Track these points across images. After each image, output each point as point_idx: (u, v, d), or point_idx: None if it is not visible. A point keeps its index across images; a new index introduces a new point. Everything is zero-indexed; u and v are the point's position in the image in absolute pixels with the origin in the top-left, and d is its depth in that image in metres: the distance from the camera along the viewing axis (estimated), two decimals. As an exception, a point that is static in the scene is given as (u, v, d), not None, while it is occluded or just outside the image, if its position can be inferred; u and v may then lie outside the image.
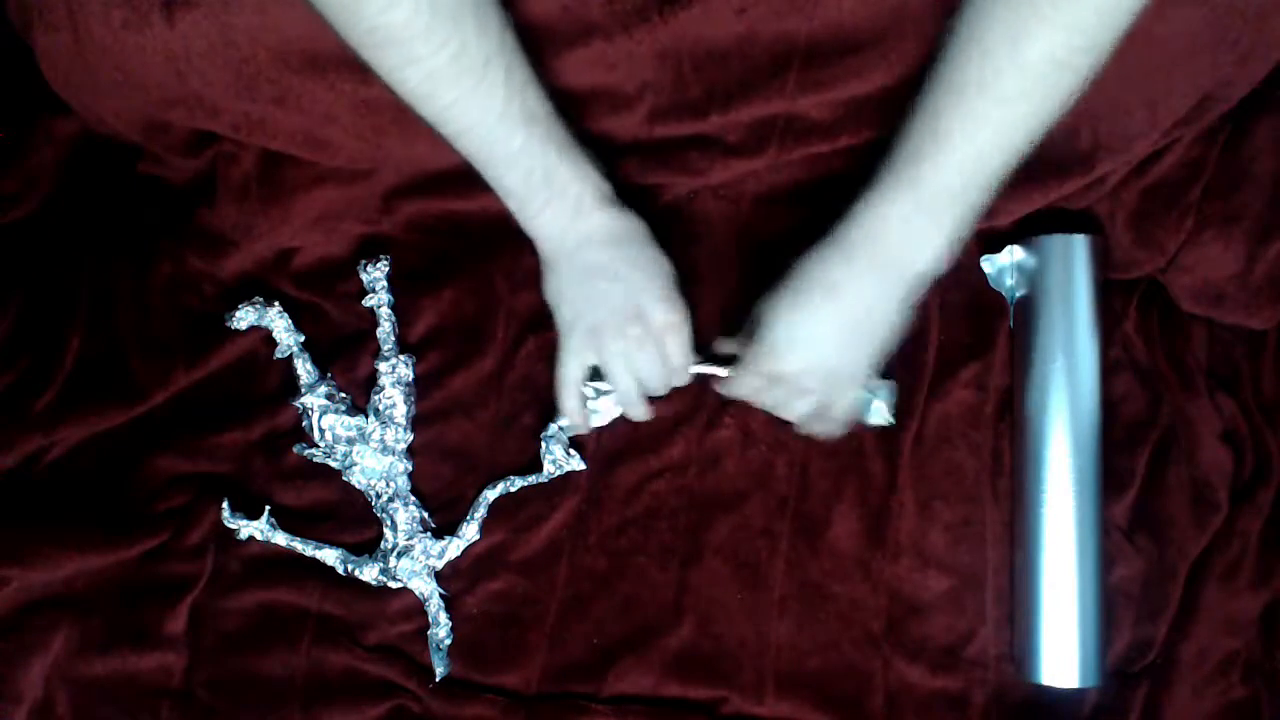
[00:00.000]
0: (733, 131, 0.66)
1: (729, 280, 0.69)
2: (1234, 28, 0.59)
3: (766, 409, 0.63)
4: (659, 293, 0.60)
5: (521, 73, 0.55)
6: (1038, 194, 0.66)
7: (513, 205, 0.59)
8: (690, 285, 0.68)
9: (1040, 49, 0.49)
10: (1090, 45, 0.50)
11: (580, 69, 0.61)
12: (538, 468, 0.67)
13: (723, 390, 0.63)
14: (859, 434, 0.67)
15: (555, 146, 0.56)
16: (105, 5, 0.59)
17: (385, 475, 0.67)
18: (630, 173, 0.67)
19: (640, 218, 0.61)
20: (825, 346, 0.58)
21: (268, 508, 0.67)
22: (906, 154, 0.54)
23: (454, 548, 0.66)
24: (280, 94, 0.62)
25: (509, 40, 0.54)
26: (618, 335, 0.60)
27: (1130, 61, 0.59)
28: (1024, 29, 0.49)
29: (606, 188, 0.59)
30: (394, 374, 0.68)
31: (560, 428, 0.66)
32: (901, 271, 0.57)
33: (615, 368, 0.61)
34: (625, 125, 0.65)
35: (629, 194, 0.68)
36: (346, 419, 0.67)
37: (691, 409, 0.68)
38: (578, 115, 0.64)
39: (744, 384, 0.61)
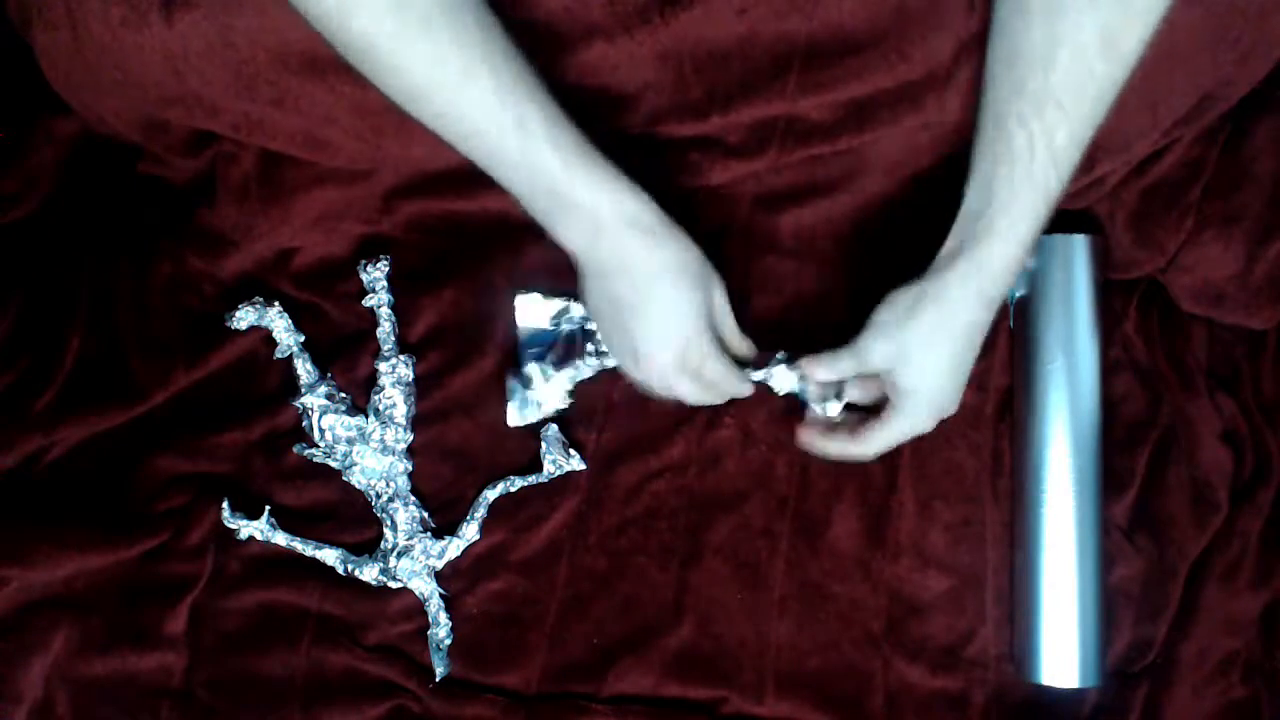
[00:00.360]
0: (733, 132, 0.66)
1: (728, 280, 0.68)
2: (1234, 27, 0.59)
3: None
4: (662, 345, 0.58)
5: (514, 81, 0.52)
6: (1037, 194, 0.66)
7: (531, 213, 0.56)
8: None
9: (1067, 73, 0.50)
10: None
11: (581, 71, 0.61)
12: (538, 468, 0.67)
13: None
14: (859, 434, 0.67)
15: (561, 157, 0.52)
16: (104, 3, 0.58)
17: (385, 475, 0.67)
18: (630, 174, 0.67)
19: (684, 242, 0.56)
20: (944, 371, 0.58)
21: (268, 508, 0.67)
22: (999, 206, 0.54)
23: (454, 548, 0.66)
24: (279, 95, 0.62)
25: (496, 47, 0.51)
26: (630, 373, 0.61)
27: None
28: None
29: (634, 206, 0.54)
30: (394, 374, 0.68)
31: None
32: (997, 296, 0.56)
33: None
34: (625, 126, 0.65)
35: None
36: (346, 419, 0.67)
37: (691, 409, 0.68)
38: (577, 117, 0.64)
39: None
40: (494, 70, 0.51)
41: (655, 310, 0.57)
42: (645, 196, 0.55)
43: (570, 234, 0.55)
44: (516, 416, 0.67)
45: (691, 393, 0.61)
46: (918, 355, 0.57)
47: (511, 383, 0.67)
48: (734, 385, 0.62)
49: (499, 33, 0.52)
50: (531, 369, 0.66)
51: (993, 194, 0.53)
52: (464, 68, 0.50)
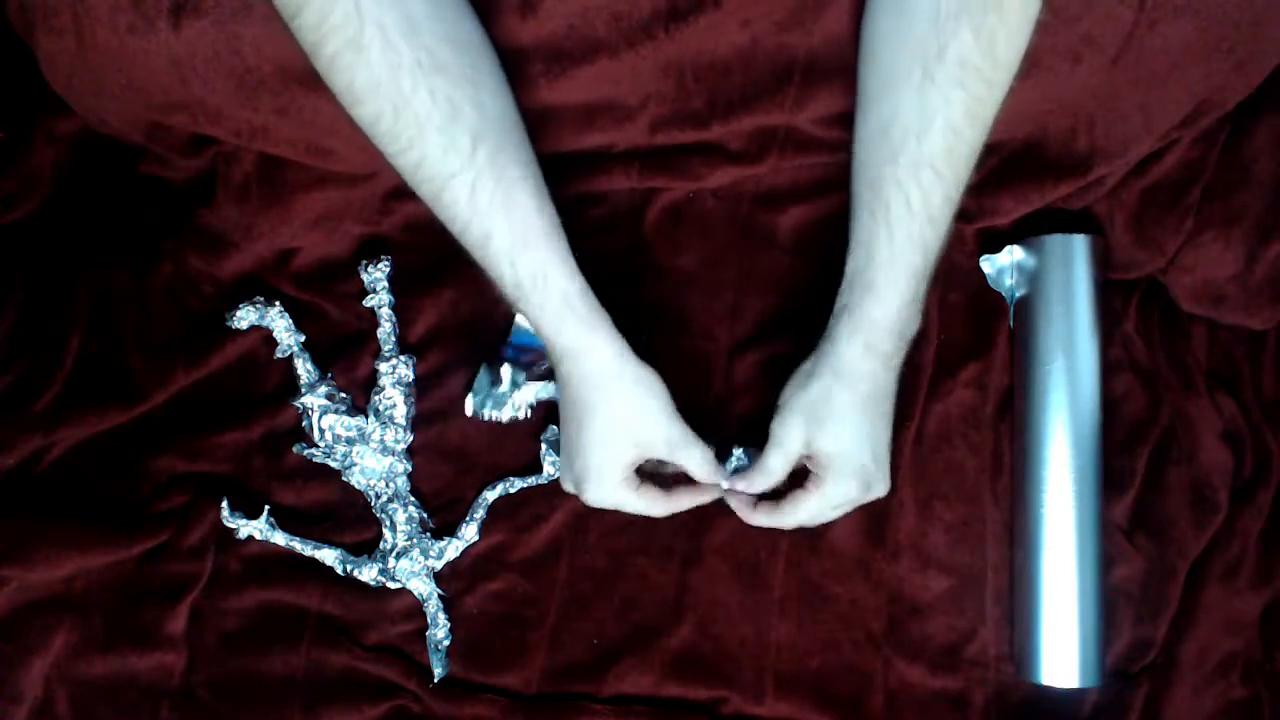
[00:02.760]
0: (734, 140, 0.66)
1: (728, 279, 0.69)
2: (1227, 37, 0.59)
3: (809, 518, 0.60)
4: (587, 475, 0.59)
5: (490, 198, 0.54)
6: (1035, 194, 0.66)
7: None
8: (689, 285, 0.69)
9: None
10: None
11: (585, 85, 0.61)
12: (538, 468, 0.67)
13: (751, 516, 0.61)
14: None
15: (547, 307, 0.56)
16: (113, 10, 0.58)
17: (385, 475, 0.67)
18: (630, 177, 0.67)
19: (618, 364, 0.57)
20: (860, 434, 0.57)
21: (267, 508, 0.67)
22: (880, 264, 0.55)
23: (453, 548, 0.66)
24: (283, 105, 0.62)
25: (481, 159, 0.53)
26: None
27: (1123, 72, 0.60)
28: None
29: (606, 355, 0.56)
30: (394, 374, 0.68)
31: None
32: (888, 350, 0.57)
33: None
34: (627, 135, 0.65)
35: (628, 197, 0.68)
36: (346, 419, 0.67)
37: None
38: (579, 127, 0.64)
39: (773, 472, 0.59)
40: (475, 183, 0.53)
41: (576, 432, 0.59)
42: (616, 344, 0.57)
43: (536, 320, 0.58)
44: (471, 407, 0.67)
45: (644, 506, 0.61)
46: (826, 419, 0.57)
47: (481, 376, 0.67)
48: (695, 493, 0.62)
49: (486, 148, 0.53)
50: (505, 370, 0.67)
51: (874, 254, 0.54)
52: (444, 180, 0.53)
